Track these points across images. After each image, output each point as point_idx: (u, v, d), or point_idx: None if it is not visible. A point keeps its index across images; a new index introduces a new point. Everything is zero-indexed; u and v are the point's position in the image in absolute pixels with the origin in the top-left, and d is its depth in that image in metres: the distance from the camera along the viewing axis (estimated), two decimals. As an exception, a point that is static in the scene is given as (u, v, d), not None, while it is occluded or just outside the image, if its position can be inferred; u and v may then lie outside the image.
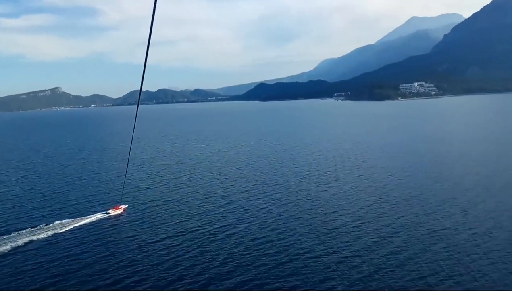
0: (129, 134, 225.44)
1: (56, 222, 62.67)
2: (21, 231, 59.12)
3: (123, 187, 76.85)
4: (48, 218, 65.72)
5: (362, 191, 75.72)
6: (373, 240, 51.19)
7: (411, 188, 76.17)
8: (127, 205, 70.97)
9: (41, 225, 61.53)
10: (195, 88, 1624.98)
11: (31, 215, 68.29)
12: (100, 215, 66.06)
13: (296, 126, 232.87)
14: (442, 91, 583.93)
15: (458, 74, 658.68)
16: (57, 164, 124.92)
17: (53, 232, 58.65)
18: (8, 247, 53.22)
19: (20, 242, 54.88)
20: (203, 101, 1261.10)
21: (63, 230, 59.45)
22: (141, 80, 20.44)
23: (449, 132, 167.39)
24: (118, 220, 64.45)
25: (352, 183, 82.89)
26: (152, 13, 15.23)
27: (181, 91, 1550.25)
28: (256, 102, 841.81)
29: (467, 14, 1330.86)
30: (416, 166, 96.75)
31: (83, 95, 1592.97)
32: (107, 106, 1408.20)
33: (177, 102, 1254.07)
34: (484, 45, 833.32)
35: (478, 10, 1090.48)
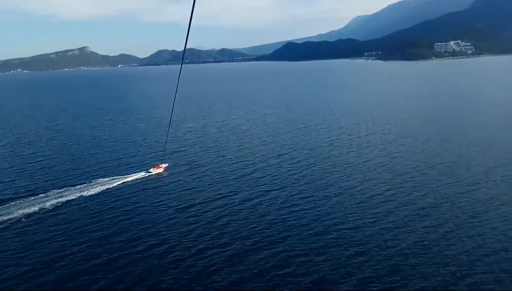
0: (156, 95, 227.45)
1: (98, 180, 65.40)
2: (69, 187, 62.04)
3: (165, 147, 78.77)
4: (89, 177, 68.00)
5: (397, 158, 73.52)
6: (412, 212, 49.62)
7: (441, 154, 73.50)
8: (167, 164, 73.18)
9: (83, 184, 63.77)
10: (221, 48, 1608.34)
11: (75, 173, 70.64)
12: (142, 174, 68.79)
13: (324, 88, 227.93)
14: (480, 50, 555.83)
15: (498, 32, 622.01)
16: (86, 124, 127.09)
17: (95, 190, 61.05)
18: (54, 202, 56.06)
19: (64, 199, 57.41)
20: (230, 62, 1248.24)
21: (104, 188, 61.92)
22: (185, 41, 19.28)
23: (485, 93, 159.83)
24: (158, 179, 66.43)
25: (386, 149, 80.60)
26: None
27: (208, 51, 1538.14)
28: (284, 62, 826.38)
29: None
30: (447, 131, 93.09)
31: (111, 55, 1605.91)
32: (134, 66, 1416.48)
33: (203, 62, 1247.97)
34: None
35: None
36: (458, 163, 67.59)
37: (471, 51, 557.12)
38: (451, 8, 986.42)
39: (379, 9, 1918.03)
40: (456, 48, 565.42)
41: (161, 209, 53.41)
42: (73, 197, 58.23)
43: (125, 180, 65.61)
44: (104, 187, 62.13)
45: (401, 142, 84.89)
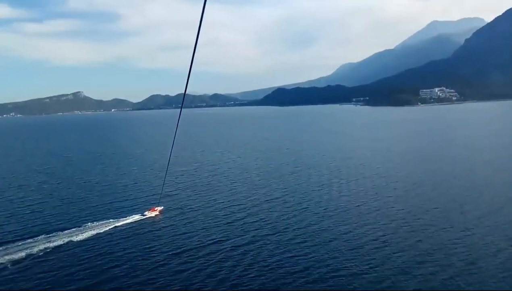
0: (149, 139, 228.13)
1: (89, 224, 64.46)
2: (58, 232, 60.90)
3: (162, 190, 78.14)
4: (80, 221, 66.82)
5: (383, 200, 73.85)
6: (394, 252, 49.33)
7: (435, 198, 73.85)
8: (163, 207, 72.91)
9: (73, 228, 62.60)
10: (213, 93, 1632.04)
11: (65, 218, 69.32)
12: (137, 217, 68.48)
13: (316, 132, 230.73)
14: (464, 97, 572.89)
15: (480, 79, 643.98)
16: (78, 168, 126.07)
17: (85, 234, 60.05)
18: (42, 247, 54.77)
19: (56, 243, 56.51)
20: (222, 106, 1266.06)
21: (95, 232, 60.88)
22: (185, 85, 19.84)
23: (474, 139, 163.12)
24: (152, 223, 66.06)
25: (373, 191, 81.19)
26: (200, 18, 14.94)
27: (200, 95, 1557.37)
28: (275, 107, 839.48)
29: (489, 18, 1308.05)
30: (439, 174, 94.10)
31: (104, 99, 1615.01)
32: (127, 110, 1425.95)
33: (196, 106, 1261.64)
34: (506, 50, 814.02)
35: (501, 14, 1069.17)
36: (451, 208, 67.87)
37: (455, 98, 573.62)
38: (434, 57, 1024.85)
39: (365, 57, 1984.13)
40: (441, 94, 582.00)
41: (152, 254, 52.40)
42: (62, 242, 57.02)
43: (117, 224, 64.78)
44: (95, 232, 61.03)
45: (393, 186, 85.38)
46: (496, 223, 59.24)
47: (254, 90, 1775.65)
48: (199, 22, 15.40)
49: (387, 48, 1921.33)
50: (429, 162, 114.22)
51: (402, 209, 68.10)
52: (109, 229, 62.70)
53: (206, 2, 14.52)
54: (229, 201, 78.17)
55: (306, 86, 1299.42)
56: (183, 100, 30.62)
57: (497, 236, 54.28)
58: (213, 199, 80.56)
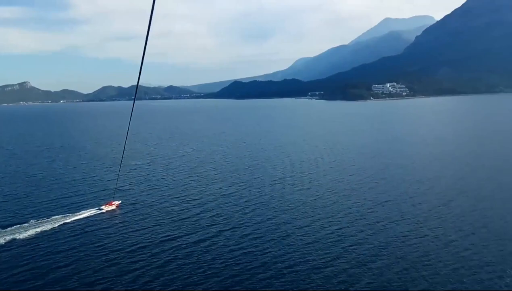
0: (100, 132, 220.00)
1: (45, 219, 61.84)
2: (9, 228, 58.08)
3: (116, 183, 75.82)
4: (36, 215, 64.53)
5: (338, 194, 74.86)
6: (349, 245, 50.02)
7: (387, 191, 75.80)
8: (120, 201, 70.83)
9: (15, 225, 59.22)
10: (168, 85, 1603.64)
11: (8, 215, 64.92)
12: (93, 211, 66.29)
13: (272, 126, 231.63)
14: (413, 92, 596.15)
15: (429, 75, 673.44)
16: (23, 162, 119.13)
17: (41, 228, 57.86)
18: None
19: (7, 238, 54.19)
20: (177, 99, 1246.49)
21: (44, 229, 58.03)
22: (138, 77, 18.71)
23: (419, 134, 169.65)
24: (106, 218, 63.42)
25: (328, 185, 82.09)
26: (151, 7, 13.66)
27: (155, 87, 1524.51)
28: (231, 100, 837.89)
29: (438, 16, 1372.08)
30: (391, 168, 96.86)
31: (53, 90, 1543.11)
32: (77, 101, 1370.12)
33: (150, 98, 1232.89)
34: (454, 47, 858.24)
35: (449, 12, 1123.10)
36: (403, 201, 69.74)
37: (405, 93, 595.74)
38: (386, 53, 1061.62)
39: (321, 52, 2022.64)
40: (392, 90, 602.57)
41: (102, 253, 49.92)
42: (4, 241, 53.49)
43: (67, 220, 61.92)
44: (41, 229, 58.10)
45: (348, 180, 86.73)
46: (445, 215, 61.44)
47: (210, 82, 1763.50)
48: (150, 12, 14.32)
49: (342, 44, 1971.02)
50: (381, 155, 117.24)
51: (357, 202, 69.25)
52: (58, 226, 59.47)
53: None
54: (184, 196, 76.47)
55: (262, 79, 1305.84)
56: (136, 92, 29.15)
57: (447, 228, 56.26)
58: (167, 193, 78.54)
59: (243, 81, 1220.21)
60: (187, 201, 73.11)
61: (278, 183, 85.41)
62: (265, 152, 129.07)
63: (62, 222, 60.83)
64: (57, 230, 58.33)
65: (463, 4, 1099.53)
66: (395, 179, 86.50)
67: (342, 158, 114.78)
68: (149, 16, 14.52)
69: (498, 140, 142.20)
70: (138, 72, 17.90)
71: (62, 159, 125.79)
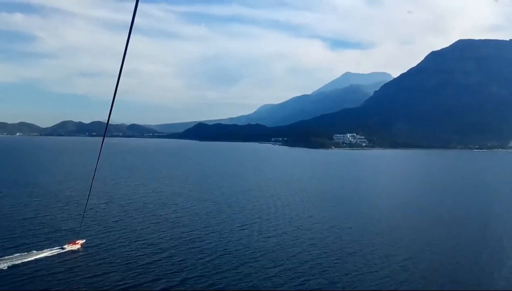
0: (58, 167, 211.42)
1: None
2: None
3: (82, 221, 72.69)
4: None
5: (304, 243, 74.55)
6: None
7: (353, 242, 76.40)
8: (84, 240, 67.74)
9: None
10: (131, 123, 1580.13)
11: None
12: (54, 251, 62.69)
13: (236, 169, 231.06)
14: (372, 143, 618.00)
15: (387, 128, 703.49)
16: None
17: None
18: None
19: None
20: (140, 137, 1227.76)
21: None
22: (109, 112, 18.47)
23: (380, 183, 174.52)
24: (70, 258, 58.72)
25: (293, 233, 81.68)
26: (125, 44, 13.66)
27: (117, 125, 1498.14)
28: (195, 141, 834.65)
29: (395, 74, 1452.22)
30: (354, 216, 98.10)
31: (9, 122, 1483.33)
32: (34, 135, 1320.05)
33: (111, 136, 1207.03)
34: (409, 103, 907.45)
35: (405, 71, 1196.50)
36: (370, 252, 70.38)
37: (365, 144, 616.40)
38: (347, 105, 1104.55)
39: (285, 100, 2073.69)
40: (352, 140, 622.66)
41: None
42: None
43: (26, 260, 57.79)
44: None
45: (313, 228, 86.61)
46: (413, 269, 62.52)
47: (174, 123, 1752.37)
48: (124, 51, 14.39)
49: (305, 93, 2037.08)
50: (344, 204, 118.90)
51: (323, 253, 69.25)
52: (8, 266, 55.15)
53: (129, 32, 13.65)
54: (145, 239, 73.79)
55: (227, 123, 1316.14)
56: (106, 129, 28.75)
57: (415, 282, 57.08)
58: (128, 236, 75.50)
59: (208, 123, 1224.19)
60: (149, 244, 70.57)
61: (243, 229, 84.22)
62: (229, 196, 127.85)
63: (17, 262, 56.60)
64: (8, 271, 54.23)
65: (418, 64, 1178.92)
66: (359, 228, 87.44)
67: (307, 204, 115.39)
68: (122, 56, 14.63)
69: (454, 192, 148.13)
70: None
71: (12, 195, 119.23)
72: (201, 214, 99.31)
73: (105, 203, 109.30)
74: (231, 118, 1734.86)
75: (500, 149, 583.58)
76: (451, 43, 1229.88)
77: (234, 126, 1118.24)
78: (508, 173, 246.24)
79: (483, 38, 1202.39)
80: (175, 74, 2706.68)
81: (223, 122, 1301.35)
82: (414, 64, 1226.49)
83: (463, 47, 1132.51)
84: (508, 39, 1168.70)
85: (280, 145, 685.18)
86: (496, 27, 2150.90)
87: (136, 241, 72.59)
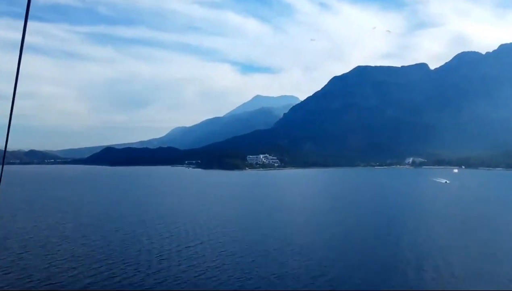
0: None
1: None
2: None
3: None
4: None
5: (226, 270, 72.69)
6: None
7: (276, 266, 76.30)
8: None
9: None
10: (29, 149, 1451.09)
11: None
12: None
13: (148, 194, 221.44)
14: (284, 163, 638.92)
15: (297, 148, 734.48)
16: None
17: None
18: None
19: None
20: (39, 164, 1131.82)
21: None
22: (5, 141, 15.53)
23: (295, 202, 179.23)
24: None
25: (213, 262, 79.41)
26: (17, 67, 12.24)
27: (13, 151, 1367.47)
28: (103, 167, 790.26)
29: (302, 97, 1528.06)
30: (269, 240, 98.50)
31: None
32: None
33: (7, 163, 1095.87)
34: (317, 125, 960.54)
35: (311, 94, 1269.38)
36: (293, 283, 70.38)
37: (277, 164, 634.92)
38: (259, 127, 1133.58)
39: (197, 122, 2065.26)
40: (265, 160, 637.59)
41: None
42: None
43: None
44: None
45: (228, 261, 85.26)
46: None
47: (80, 148, 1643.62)
48: (16, 73, 12.13)
49: (217, 115, 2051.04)
50: (258, 227, 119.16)
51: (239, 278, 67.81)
52: None
53: (23, 52, 11.44)
54: (50, 279, 66.10)
55: (137, 146, 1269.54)
56: (4, 157, 24.62)
57: None
58: (31, 277, 67.13)
59: (117, 147, 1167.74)
60: (53, 283, 63.23)
61: (158, 258, 79.77)
62: (142, 224, 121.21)
63: None
64: None
65: (322, 88, 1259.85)
66: (277, 256, 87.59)
67: (220, 229, 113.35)
68: (15, 76, 12.33)
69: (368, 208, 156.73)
70: (5, 136, 15.09)
71: None
72: (113, 245, 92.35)
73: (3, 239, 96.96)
74: (142, 142, 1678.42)
75: (398, 165, 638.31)
76: (350, 69, 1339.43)
77: (146, 149, 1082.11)
78: (404, 188, 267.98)
79: (378, 64, 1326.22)
80: (79, 97, 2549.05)
81: (134, 146, 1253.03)
82: (319, 88, 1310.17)
83: (361, 73, 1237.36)
84: (400, 66, 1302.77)
85: (193, 168, 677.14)
86: (390, 55, 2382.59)
87: (39, 281, 64.65)
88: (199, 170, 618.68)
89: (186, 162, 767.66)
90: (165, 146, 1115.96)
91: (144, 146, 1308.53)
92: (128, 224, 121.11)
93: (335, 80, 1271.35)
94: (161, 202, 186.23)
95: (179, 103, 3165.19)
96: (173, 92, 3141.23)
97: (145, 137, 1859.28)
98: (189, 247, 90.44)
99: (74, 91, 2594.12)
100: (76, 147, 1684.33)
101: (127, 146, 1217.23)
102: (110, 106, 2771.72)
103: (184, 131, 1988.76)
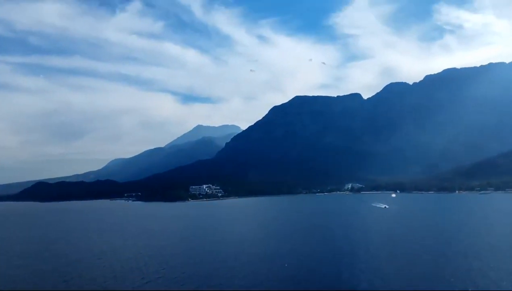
0: None
1: None
2: None
3: None
4: None
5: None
6: None
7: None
8: None
9: None
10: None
11: None
12: None
13: (85, 232, 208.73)
14: (228, 193, 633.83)
15: (240, 177, 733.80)
16: None
17: None
18: None
19: None
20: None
21: None
22: None
23: (237, 232, 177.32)
24: None
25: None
26: None
27: None
28: (34, 203, 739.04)
29: (243, 126, 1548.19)
30: (221, 271, 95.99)
31: None
32: None
33: None
34: (259, 153, 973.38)
35: (253, 123, 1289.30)
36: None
37: (221, 194, 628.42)
38: (201, 157, 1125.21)
39: (137, 154, 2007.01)
40: (208, 191, 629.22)
41: None
42: None
43: None
44: None
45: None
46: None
47: (9, 183, 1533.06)
48: None
49: (158, 146, 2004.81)
50: (205, 262, 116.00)
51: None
52: None
53: None
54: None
55: (73, 180, 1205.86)
56: None
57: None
58: None
59: (50, 182, 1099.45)
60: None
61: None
62: (78, 264, 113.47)
63: None
64: None
65: (263, 117, 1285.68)
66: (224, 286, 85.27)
67: (165, 266, 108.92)
68: None
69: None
70: None
71: None
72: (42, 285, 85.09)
73: None
74: (77, 175, 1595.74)
75: (338, 191, 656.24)
76: (289, 99, 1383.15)
77: (81, 183, 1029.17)
78: (348, 214, 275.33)
79: (315, 94, 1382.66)
80: (10, 130, 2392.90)
81: (68, 180, 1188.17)
82: (259, 117, 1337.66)
83: (299, 103, 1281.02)
84: (336, 95, 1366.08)
85: (134, 201, 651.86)
86: (325, 85, 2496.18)
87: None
88: (140, 202, 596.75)
89: (126, 194, 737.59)
90: (103, 179, 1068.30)
91: (80, 179, 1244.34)
92: (62, 264, 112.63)
93: (275, 110, 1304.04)
94: (95, 239, 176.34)
95: (117, 134, 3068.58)
96: (111, 123, 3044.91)
97: (81, 170, 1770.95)
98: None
99: (5, 124, 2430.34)
100: (4, 183, 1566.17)
101: (61, 180, 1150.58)
102: (44, 138, 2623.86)
103: (123, 163, 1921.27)
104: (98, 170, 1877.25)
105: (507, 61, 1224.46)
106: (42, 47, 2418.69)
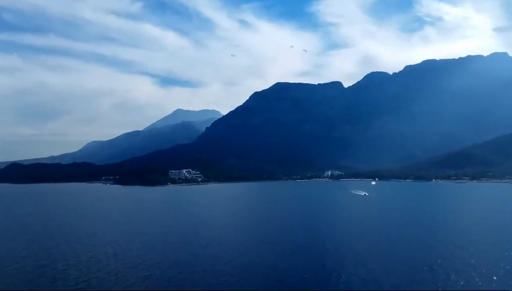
0: None
1: None
2: None
3: None
4: None
5: None
6: None
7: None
8: None
9: None
10: None
11: None
12: None
13: (61, 215, 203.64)
14: (207, 178, 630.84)
15: (220, 163, 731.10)
16: None
17: None
18: None
19: None
20: None
21: None
22: None
23: (220, 218, 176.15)
24: None
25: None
26: None
27: None
28: (8, 184, 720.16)
29: (224, 111, 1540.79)
30: (201, 258, 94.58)
31: None
32: None
33: None
34: (239, 139, 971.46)
35: (233, 109, 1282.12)
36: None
37: (200, 179, 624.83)
38: (180, 141, 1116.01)
39: (114, 136, 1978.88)
40: (188, 175, 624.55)
41: None
42: None
43: None
44: None
45: (160, 276, 79.92)
46: None
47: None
48: None
49: (136, 129, 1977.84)
50: (187, 244, 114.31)
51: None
52: None
53: None
54: None
55: (48, 161, 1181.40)
56: None
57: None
58: None
59: (24, 163, 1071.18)
60: None
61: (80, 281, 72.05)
62: (58, 247, 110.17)
63: None
64: None
65: (243, 103, 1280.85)
66: (207, 272, 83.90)
67: (147, 250, 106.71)
68: None
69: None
70: None
71: None
72: (26, 271, 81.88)
73: None
74: (53, 157, 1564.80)
75: (317, 178, 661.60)
76: (270, 85, 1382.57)
77: (57, 165, 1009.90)
78: (329, 201, 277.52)
79: (296, 81, 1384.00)
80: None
81: (43, 161, 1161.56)
82: (240, 103, 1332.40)
83: (280, 89, 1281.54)
84: (316, 83, 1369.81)
85: (111, 184, 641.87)
86: (306, 73, 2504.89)
87: None
88: (118, 186, 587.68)
89: (103, 177, 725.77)
90: (80, 161, 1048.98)
91: (56, 161, 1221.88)
92: (38, 249, 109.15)
93: (256, 96, 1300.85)
94: (75, 223, 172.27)
95: (93, 116, 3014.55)
96: (87, 105, 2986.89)
97: (56, 152, 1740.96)
98: (109, 273, 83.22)
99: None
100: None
101: (36, 161, 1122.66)
102: (16, 118, 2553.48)
103: (101, 146, 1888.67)
104: (75, 152, 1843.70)
105: (485, 54, 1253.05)
106: (16, 24, 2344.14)
